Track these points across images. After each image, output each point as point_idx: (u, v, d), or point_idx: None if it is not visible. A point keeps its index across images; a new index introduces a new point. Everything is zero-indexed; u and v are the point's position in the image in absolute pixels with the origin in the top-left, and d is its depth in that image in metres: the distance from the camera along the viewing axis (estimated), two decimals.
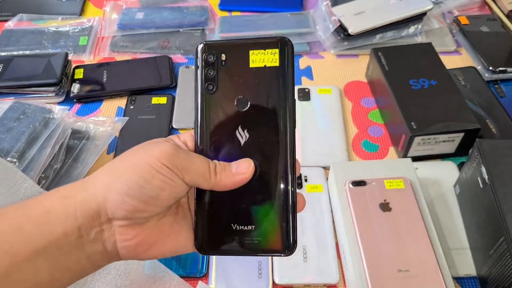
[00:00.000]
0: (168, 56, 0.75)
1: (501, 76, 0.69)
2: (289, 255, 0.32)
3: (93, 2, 0.90)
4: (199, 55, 0.32)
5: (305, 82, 0.72)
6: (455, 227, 0.52)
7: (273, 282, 0.49)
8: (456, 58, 0.74)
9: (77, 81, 0.71)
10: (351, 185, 0.51)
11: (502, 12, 0.79)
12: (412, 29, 0.76)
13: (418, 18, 0.75)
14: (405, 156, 0.59)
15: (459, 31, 0.77)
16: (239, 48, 0.32)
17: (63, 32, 0.81)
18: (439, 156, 0.60)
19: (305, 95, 0.67)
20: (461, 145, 0.58)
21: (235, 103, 0.32)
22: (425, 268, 0.45)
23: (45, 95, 0.69)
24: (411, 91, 0.61)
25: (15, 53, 0.76)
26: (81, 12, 0.87)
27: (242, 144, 0.32)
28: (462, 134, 0.57)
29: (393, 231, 0.47)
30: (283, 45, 0.32)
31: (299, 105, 0.66)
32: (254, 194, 0.32)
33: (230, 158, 0.32)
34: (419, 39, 0.76)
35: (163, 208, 0.31)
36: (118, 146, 0.63)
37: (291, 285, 0.49)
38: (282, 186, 0.32)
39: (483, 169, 0.47)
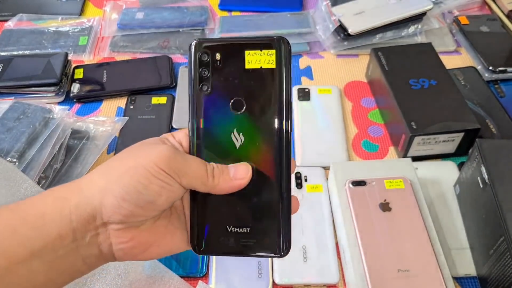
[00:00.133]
0: (168, 56, 0.75)
1: (501, 76, 0.69)
2: (283, 256, 0.32)
3: (93, 2, 0.90)
4: (193, 53, 0.31)
5: (305, 82, 0.72)
6: (455, 227, 0.52)
7: (273, 282, 0.49)
8: (456, 58, 0.74)
9: (77, 81, 0.71)
10: (351, 185, 0.51)
11: (502, 12, 0.79)
12: (412, 29, 0.76)
13: (418, 18, 0.75)
14: (405, 156, 0.59)
15: (459, 31, 0.77)
16: (235, 48, 0.31)
17: (63, 32, 0.81)
18: (439, 156, 0.60)
19: (305, 95, 0.67)
20: (461, 145, 0.58)
21: (230, 105, 0.31)
22: (425, 268, 0.45)
23: (45, 95, 0.69)
24: (411, 91, 0.61)
25: (15, 53, 0.76)
26: (81, 12, 0.87)
27: (237, 147, 0.32)
28: (462, 134, 0.57)
29: (393, 231, 0.47)
30: (280, 45, 0.30)
31: (299, 105, 0.66)
32: (249, 196, 0.32)
33: (225, 162, 0.32)
34: (419, 39, 0.76)
35: (159, 212, 0.31)
36: (118, 146, 0.63)
37: (291, 285, 0.49)
38: (277, 189, 0.31)
39: (483, 169, 0.47)
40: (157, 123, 0.66)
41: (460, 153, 0.59)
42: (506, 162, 0.47)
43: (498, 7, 0.81)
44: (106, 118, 0.65)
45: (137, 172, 0.29)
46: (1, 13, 0.87)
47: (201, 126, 0.32)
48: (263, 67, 0.31)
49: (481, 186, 0.47)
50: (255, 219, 0.32)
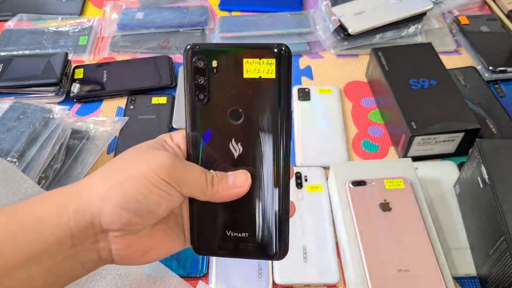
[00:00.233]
0: (168, 56, 0.75)
1: (501, 76, 0.69)
2: (280, 259, 0.33)
3: (93, 2, 0.90)
4: (188, 59, 0.30)
5: (305, 82, 0.72)
6: (455, 227, 0.52)
7: (273, 282, 0.49)
8: (456, 58, 0.74)
9: (77, 81, 0.71)
10: (351, 185, 0.51)
11: (502, 12, 0.79)
12: (412, 29, 0.76)
13: (418, 18, 0.75)
14: (405, 156, 0.59)
15: (459, 31, 0.77)
16: (232, 56, 0.29)
17: (63, 32, 0.81)
18: (439, 156, 0.60)
19: (305, 95, 0.67)
20: (461, 145, 0.58)
21: (228, 115, 0.30)
22: (425, 268, 0.45)
23: (45, 95, 0.69)
24: (411, 91, 0.61)
25: (15, 53, 0.76)
26: (81, 12, 0.87)
27: (235, 157, 0.31)
28: (462, 134, 0.57)
29: (393, 231, 0.47)
30: (280, 54, 0.29)
31: (299, 105, 0.66)
32: (248, 203, 0.32)
33: (223, 171, 0.31)
34: (419, 39, 0.76)
35: (158, 220, 0.31)
36: (118, 146, 0.63)
37: (291, 285, 0.49)
38: (276, 197, 0.31)
39: (483, 169, 0.47)
40: (157, 123, 0.66)
41: (460, 153, 0.59)
42: (506, 162, 0.47)
43: (498, 7, 0.81)
44: (106, 118, 0.65)
45: (138, 182, 0.29)
46: (1, 13, 0.87)
47: (198, 135, 0.31)
48: (262, 77, 0.29)
49: (481, 186, 0.47)
50: (254, 224, 0.32)
